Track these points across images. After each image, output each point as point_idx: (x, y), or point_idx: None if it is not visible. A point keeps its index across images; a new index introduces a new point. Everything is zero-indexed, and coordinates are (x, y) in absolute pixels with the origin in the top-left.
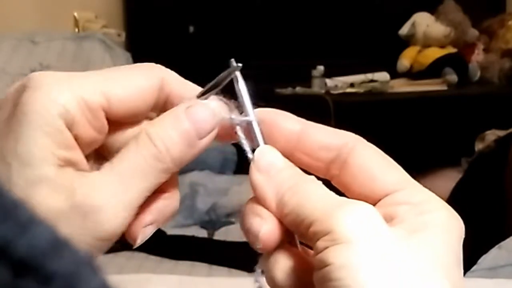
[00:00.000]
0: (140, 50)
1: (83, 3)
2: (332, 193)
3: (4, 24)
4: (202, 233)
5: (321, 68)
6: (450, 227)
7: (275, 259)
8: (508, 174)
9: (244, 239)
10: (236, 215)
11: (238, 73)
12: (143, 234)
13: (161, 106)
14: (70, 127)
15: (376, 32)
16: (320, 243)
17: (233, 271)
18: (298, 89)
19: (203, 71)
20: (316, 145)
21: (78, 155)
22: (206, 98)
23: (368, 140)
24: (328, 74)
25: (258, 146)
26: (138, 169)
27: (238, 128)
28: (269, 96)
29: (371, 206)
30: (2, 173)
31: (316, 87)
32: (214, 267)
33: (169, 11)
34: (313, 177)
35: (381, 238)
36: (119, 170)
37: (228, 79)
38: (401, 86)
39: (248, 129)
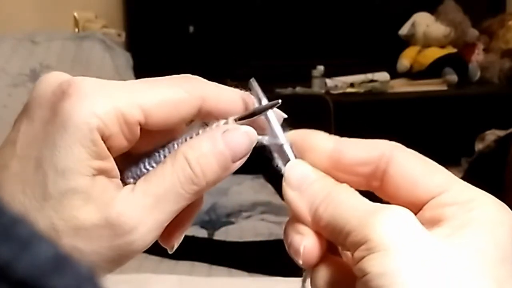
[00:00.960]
0: (140, 50)
1: (83, 3)
2: (366, 200)
3: (4, 24)
4: (202, 233)
5: (321, 68)
6: (498, 221)
7: (318, 271)
8: (508, 174)
9: (244, 239)
10: (236, 215)
11: (264, 100)
12: (178, 240)
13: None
14: (105, 139)
15: (376, 32)
16: (358, 253)
17: (233, 271)
18: (298, 89)
19: (203, 71)
20: (353, 162)
21: (110, 164)
22: (241, 123)
23: None
24: (328, 74)
25: None
26: (173, 191)
27: (273, 152)
28: (269, 96)
29: (406, 210)
30: (38, 179)
31: (316, 87)
32: (214, 267)
33: (169, 11)
34: (345, 184)
35: (419, 243)
36: (154, 192)
37: (266, 111)
38: (401, 86)
39: (281, 151)
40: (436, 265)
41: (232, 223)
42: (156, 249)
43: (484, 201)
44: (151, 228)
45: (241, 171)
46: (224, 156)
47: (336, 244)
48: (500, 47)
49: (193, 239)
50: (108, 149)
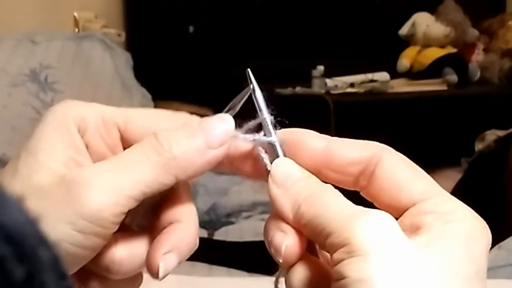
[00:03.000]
0: (140, 50)
1: (83, 3)
2: (349, 202)
3: (4, 24)
4: (202, 233)
5: (321, 68)
6: (475, 237)
7: (294, 269)
8: (508, 174)
9: (244, 239)
10: (236, 215)
11: (258, 93)
12: (164, 262)
13: None
14: (82, 133)
15: (376, 32)
16: (337, 255)
17: (233, 271)
18: (298, 89)
19: (203, 71)
20: (344, 161)
21: (85, 160)
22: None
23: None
24: (328, 74)
25: None
26: (134, 159)
27: (261, 149)
28: (269, 96)
29: (388, 215)
30: (12, 165)
31: (316, 87)
32: (214, 267)
33: (169, 11)
34: (330, 185)
35: (398, 250)
36: (115, 159)
37: (245, 98)
38: (401, 86)
39: (271, 150)
40: (413, 276)
41: (232, 223)
42: None
43: (463, 215)
44: (108, 188)
45: None
46: (195, 134)
47: (315, 243)
48: (500, 47)
49: None
50: (87, 148)
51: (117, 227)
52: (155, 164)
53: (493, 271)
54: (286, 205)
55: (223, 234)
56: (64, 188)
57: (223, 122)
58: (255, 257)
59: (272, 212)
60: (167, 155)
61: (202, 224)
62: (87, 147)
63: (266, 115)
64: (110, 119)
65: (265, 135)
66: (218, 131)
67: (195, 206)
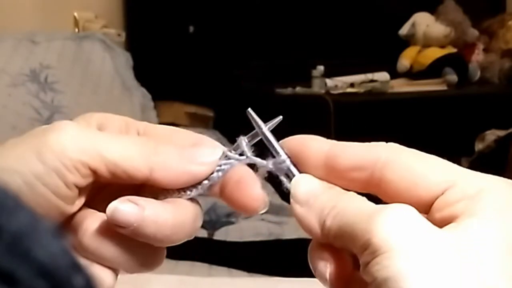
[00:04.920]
0: (140, 50)
1: (83, 3)
2: (369, 203)
3: (4, 24)
4: (202, 233)
5: (321, 68)
6: (507, 206)
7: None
8: (508, 174)
9: (244, 239)
10: (236, 215)
11: (259, 121)
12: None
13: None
14: (102, 129)
15: (376, 32)
16: (363, 259)
17: (233, 271)
18: (298, 89)
19: (203, 71)
20: (347, 167)
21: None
22: (253, 141)
23: (368, 140)
24: (328, 74)
25: None
26: (121, 138)
27: (278, 174)
28: (269, 96)
29: (407, 206)
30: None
31: (316, 87)
32: (214, 267)
33: (169, 11)
34: (352, 192)
35: (422, 239)
36: (105, 132)
37: (274, 125)
38: (401, 86)
39: (284, 170)
40: (443, 263)
41: (232, 223)
42: None
43: (493, 187)
44: (83, 142)
45: None
46: (184, 149)
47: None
48: (500, 47)
49: (193, 239)
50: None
51: (80, 182)
52: (138, 150)
53: None
54: (313, 223)
55: (223, 234)
56: (43, 128)
57: (213, 149)
58: (255, 257)
59: (312, 240)
60: (152, 144)
61: (202, 224)
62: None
63: (270, 136)
64: (133, 124)
65: (268, 158)
66: (203, 153)
67: None
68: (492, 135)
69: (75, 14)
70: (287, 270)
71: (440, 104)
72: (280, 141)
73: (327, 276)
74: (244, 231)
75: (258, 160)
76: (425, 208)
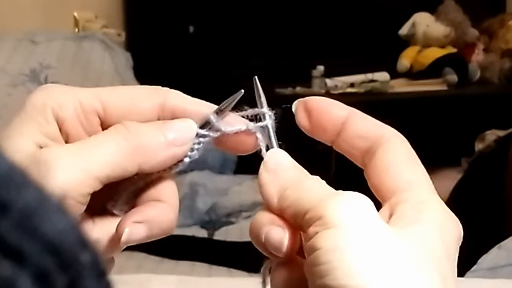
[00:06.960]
0: (140, 50)
1: (83, 3)
2: (332, 188)
3: (4, 24)
4: (202, 233)
5: (321, 68)
6: (446, 226)
7: (279, 268)
8: (508, 174)
9: (244, 239)
10: (236, 215)
11: (257, 81)
12: (131, 228)
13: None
14: (61, 123)
15: (376, 32)
16: (311, 229)
17: (233, 271)
18: (298, 89)
19: (203, 71)
20: (354, 134)
21: None
22: (222, 115)
23: None
24: (328, 74)
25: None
26: (102, 142)
27: (259, 137)
28: (269, 96)
29: (364, 197)
30: None
31: (316, 87)
32: (214, 267)
33: (169, 11)
34: (317, 177)
35: (371, 224)
36: (84, 141)
37: (238, 98)
38: (401, 86)
39: (267, 135)
40: (385, 247)
41: (232, 223)
42: (156, 249)
43: (437, 206)
44: (74, 165)
45: (241, 171)
46: (161, 130)
47: (295, 224)
48: (500, 47)
49: (193, 239)
50: (66, 135)
51: (83, 207)
52: (121, 149)
53: (493, 271)
54: (273, 190)
55: (223, 234)
56: (33, 165)
57: (187, 125)
58: (255, 257)
59: (263, 206)
60: (134, 142)
61: (202, 224)
62: (67, 136)
63: (264, 102)
64: (89, 106)
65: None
66: (181, 133)
67: (195, 206)
68: (492, 135)
69: (75, 14)
70: None
71: (440, 104)
72: (301, 99)
73: (285, 241)
74: (244, 231)
75: (233, 128)
76: (384, 197)
